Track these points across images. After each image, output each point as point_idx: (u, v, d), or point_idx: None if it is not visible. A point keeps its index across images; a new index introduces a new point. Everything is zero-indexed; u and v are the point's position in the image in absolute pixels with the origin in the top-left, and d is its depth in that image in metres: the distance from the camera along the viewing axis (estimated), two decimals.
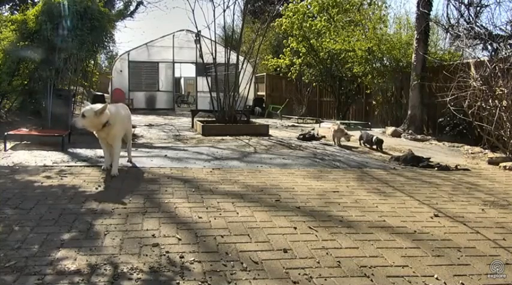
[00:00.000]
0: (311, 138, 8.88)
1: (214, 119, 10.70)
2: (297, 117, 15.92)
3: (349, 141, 8.23)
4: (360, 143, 8.13)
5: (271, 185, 4.62)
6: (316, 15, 15.69)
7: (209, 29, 19.37)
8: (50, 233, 2.95)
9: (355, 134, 8.71)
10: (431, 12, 11.14)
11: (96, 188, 4.26)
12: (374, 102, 13.28)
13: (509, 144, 6.89)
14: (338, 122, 9.00)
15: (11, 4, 15.94)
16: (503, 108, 7.03)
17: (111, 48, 19.89)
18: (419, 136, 9.87)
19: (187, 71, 23.42)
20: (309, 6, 15.54)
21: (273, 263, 2.57)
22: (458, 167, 6.14)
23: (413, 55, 10.90)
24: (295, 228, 3.21)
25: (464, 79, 7.79)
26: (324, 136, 9.30)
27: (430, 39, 11.68)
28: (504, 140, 7.07)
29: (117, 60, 19.16)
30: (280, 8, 15.54)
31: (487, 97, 7.39)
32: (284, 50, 16.96)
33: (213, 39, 11.41)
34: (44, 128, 8.16)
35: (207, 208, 3.66)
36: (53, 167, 5.27)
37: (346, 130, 8.31)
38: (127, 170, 5.28)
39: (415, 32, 11.00)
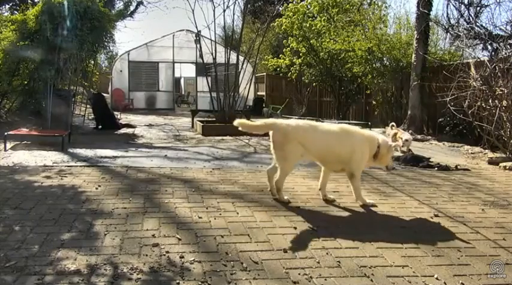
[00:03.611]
0: None
1: (214, 119, 10.70)
2: (297, 117, 15.89)
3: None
4: None
5: None
6: (316, 15, 15.66)
7: (209, 29, 19.35)
8: (50, 233, 2.95)
9: None
10: (431, 12, 11.14)
11: (96, 188, 4.26)
12: (374, 102, 13.27)
13: (509, 144, 6.89)
14: (392, 124, 7.84)
15: (11, 4, 15.96)
16: (503, 108, 7.02)
17: (111, 48, 19.83)
18: (419, 136, 9.86)
19: (187, 71, 23.41)
20: (308, 6, 15.52)
21: (273, 263, 2.57)
22: (458, 167, 6.14)
23: (413, 55, 10.89)
24: (295, 228, 3.21)
25: (464, 79, 7.78)
26: None
27: (430, 39, 11.67)
28: (504, 140, 7.07)
29: (117, 60, 19.16)
30: (280, 8, 15.53)
31: (487, 97, 7.38)
32: (284, 50, 16.94)
33: (213, 39, 11.41)
34: (44, 128, 8.17)
35: (207, 208, 3.66)
36: (53, 167, 5.27)
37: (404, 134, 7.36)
38: (127, 170, 5.28)
39: (415, 32, 11.00)
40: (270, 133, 3.96)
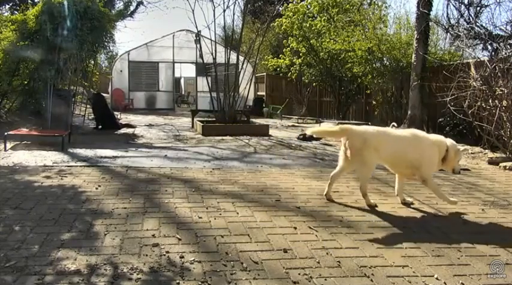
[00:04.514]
0: (311, 138, 8.88)
1: (214, 119, 10.70)
2: (297, 117, 15.92)
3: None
4: None
5: (271, 185, 4.61)
6: (316, 15, 15.67)
7: (209, 29, 19.36)
8: (50, 233, 2.95)
9: None
10: (431, 12, 11.12)
11: (96, 188, 4.26)
12: (374, 102, 13.27)
13: (509, 144, 6.89)
14: (393, 124, 7.27)
15: (11, 4, 15.97)
16: (503, 108, 7.02)
17: (111, 48, 19.91)
18: None
19: (187, 71, 23.44)
20: (308, 6, 15.53)
21: (273, 263, 2.57)
22: None
23: (413, 55, 10.88)
24: (295, 228, 3.21)
25: (464, 79, 7.78)
26: None
27: (430, 39, 11.65)
28: (504, 140, 7.07)
29: (117, 60, 19.17)
30: (280, 8, 15.54)
31: (487, 97, 7.38)
32: (284, 50, 16.95)
33: (213, 39, 11.42)
34: (44, 128, 8.17)
35: (207, 208, 3.66)
36: (53, 167, 5.27)
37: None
38: (127, 170, 5.28)
39: (415, 32, 10.98)
40: (343, 138, 3.99)
